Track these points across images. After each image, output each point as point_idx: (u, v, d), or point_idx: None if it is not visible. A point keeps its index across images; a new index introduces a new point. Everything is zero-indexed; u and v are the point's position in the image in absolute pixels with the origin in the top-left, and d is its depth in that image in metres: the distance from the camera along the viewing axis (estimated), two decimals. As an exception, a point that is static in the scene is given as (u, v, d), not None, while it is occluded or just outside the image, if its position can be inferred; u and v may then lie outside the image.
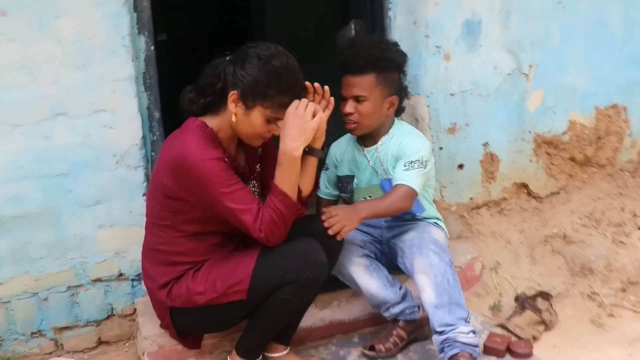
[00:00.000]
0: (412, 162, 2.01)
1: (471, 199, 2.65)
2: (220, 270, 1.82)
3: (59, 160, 2.09)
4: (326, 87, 1.86)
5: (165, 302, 1.86)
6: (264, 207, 1.75)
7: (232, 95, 1.74)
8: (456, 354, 1.83)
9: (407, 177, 1.98)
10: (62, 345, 2.23)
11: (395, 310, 2.10)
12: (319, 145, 1.92)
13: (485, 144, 2.63)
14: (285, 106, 1.75)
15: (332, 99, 1.87)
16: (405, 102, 2.59)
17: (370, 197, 2.19)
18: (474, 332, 1.88)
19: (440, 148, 2.58)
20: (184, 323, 1.90)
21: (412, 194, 1.98)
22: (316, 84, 1.84)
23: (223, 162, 1.73)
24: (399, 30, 2.55)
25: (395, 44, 2.18)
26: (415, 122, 2.58)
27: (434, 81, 2.52)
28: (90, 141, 2.11)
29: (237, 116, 1.77)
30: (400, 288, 2.12)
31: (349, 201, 2.26)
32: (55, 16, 2.03)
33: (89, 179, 2.13)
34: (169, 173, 1.75)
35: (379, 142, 2.14)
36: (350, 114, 2.05)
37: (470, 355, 1.84)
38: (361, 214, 1.90)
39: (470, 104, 2.57)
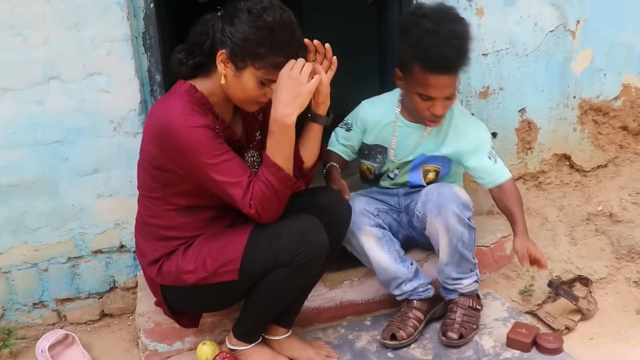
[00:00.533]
0: (490, 150, 1.98)
1: (504, 171, 2.39)
2: (212, 248, 1.68)
3: (54, 126, 1.98)
4: (327, 45, 1.64)
5: (156, 279, 1.75)
6: (256, 180, 1.58)
7: (221, 54, 1.57)
8: (453, 299, 1.95)
9: (502, 170, 1.97)
10: (65, 316, 2.18)
11: (407, 287, 1.95)
12: (323, 110, 1.73)
13: (522, 111, 2.36)
14: (279, 67, 1.55)
15: (334, 58, 1.65)
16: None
17: (397, 170, 2.06)
18: (477, 281, 1.96)
19: (471, 114, 2.31)
20: (176, 302, 1.79)
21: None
22: (316, 41, 1.63)
23: (210, 129, 1.56)
24: (426, -19, 2.28)
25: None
26: (443, 85, 2.32)
27: (464, 39, 2.24)
28: (85, 106, 1.99)
29: (227, 78, 1.59)
30: (411, 264, 1.97)
31: (376, 172, 2.09)
32: (43, -29, 1.88)
33: (86, 147, 2.02)
34: (153, 142, 1.61)
35: None
36: (443, 115, 1.91)
37: (467, 297, 1.95)
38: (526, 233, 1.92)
39: (505, 65, 2.29)
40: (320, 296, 2.09)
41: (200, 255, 1.68)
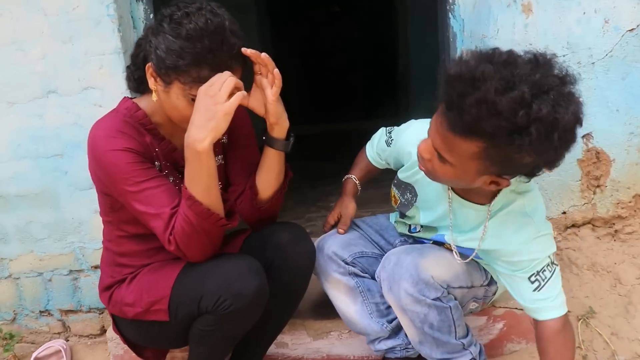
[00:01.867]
0: (539, 272, 1.38)
1: (564, 213, 1.86)
2: (150, 281, 1.53)
3: (54, 140, 1.99)
4: (264, 55, 1.37)
5: (107, 307, 1.64)
6: (178, 213, 1.38)
7: (149, 68, 1.40)
8: None
9: (547, 302, 1.39)
10: (69, 327, 2.19)
11: (381, 346, 1.63)
12: (278, 133, 1.48)
13: (587, 136, 1.81)
14: (205, 80, 1.33)
15: (277, 71, 1.38)
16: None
17: (420, 227, 1.62)
18: (473, 359, 1.54)
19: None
20: (127, 333, 1.67)
21: (568, 319, 1.41)
22: (250, 50, 1.36)
23: (132, 153, 1.40)
24: (463, -26, 1.86)
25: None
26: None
27: (507, 44, 1.75)
28: (81, 121, 1.96)
29: (158, 94, 1.42)
30: (392, 321, 1.61)
31: (401, 209, 1.64)
32: (38, -14, 1.88)
33: (83, 161, 1.92)
34: (89, 163, 1.50)
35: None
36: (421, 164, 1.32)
37: None
38: None
39: (562, 76, 1.75)
40: (303, 345, 1.81)
41: (139, 288, 1.53)
